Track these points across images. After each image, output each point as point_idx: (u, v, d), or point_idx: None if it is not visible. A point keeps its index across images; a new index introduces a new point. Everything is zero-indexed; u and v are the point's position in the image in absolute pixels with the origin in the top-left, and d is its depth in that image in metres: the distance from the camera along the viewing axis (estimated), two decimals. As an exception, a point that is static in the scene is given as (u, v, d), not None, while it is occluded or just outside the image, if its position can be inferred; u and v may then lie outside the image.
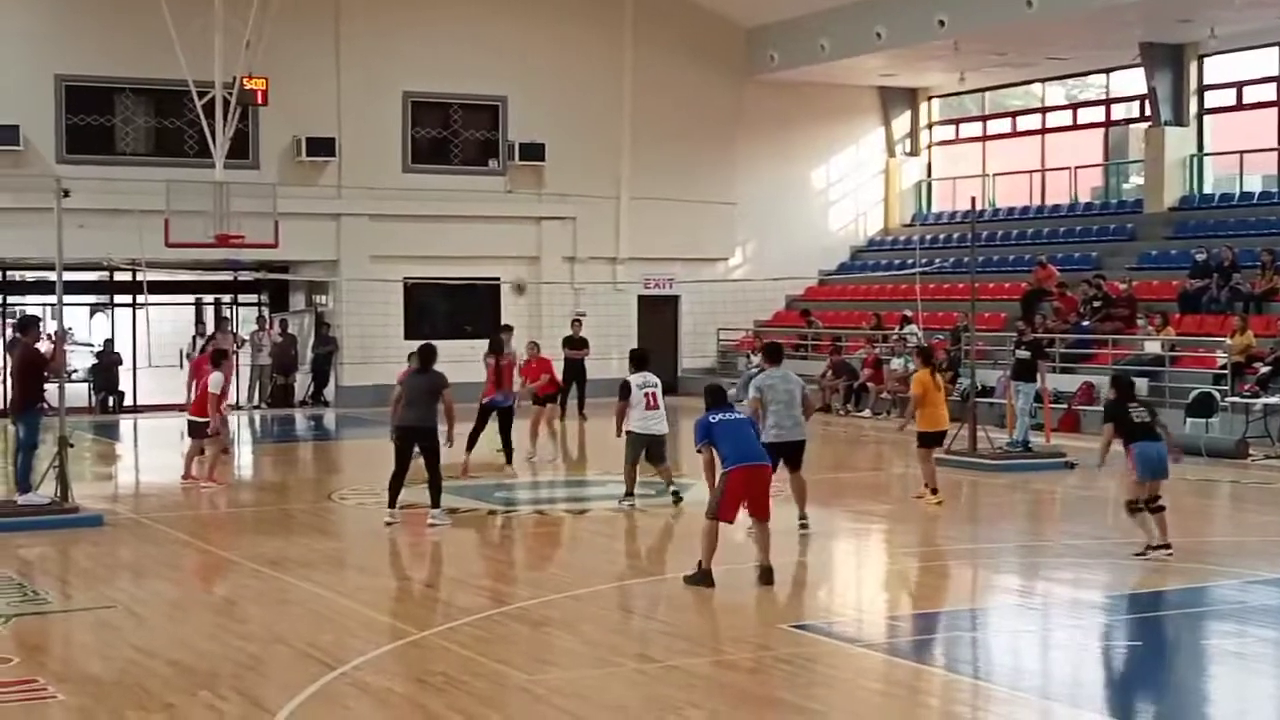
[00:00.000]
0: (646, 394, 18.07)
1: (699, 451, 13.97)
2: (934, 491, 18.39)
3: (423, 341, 18.13)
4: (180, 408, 32.09)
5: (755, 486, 13.39)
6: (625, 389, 18.15)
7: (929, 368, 18.99)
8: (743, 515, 13.62)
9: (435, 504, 16.84)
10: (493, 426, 21.24)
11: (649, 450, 18.11)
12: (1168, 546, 14.43)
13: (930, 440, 18.64)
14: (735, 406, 14.42)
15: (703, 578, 13.22)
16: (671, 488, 18.15)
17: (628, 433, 18.13)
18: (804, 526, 15.95)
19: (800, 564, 15.06)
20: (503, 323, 25.48)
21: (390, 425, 16.96)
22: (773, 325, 36.62)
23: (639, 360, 18.58)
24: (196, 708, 9.76)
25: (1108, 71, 34.99)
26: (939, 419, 18.70)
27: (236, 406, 25.01)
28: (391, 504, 16.85)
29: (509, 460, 21.42)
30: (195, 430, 20.41)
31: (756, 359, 33.68)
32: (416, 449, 16.79)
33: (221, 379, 20.27)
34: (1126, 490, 14.82)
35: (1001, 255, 34.56)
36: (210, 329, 34.04)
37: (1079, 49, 32.68)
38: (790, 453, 15.79)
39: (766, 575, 13.39)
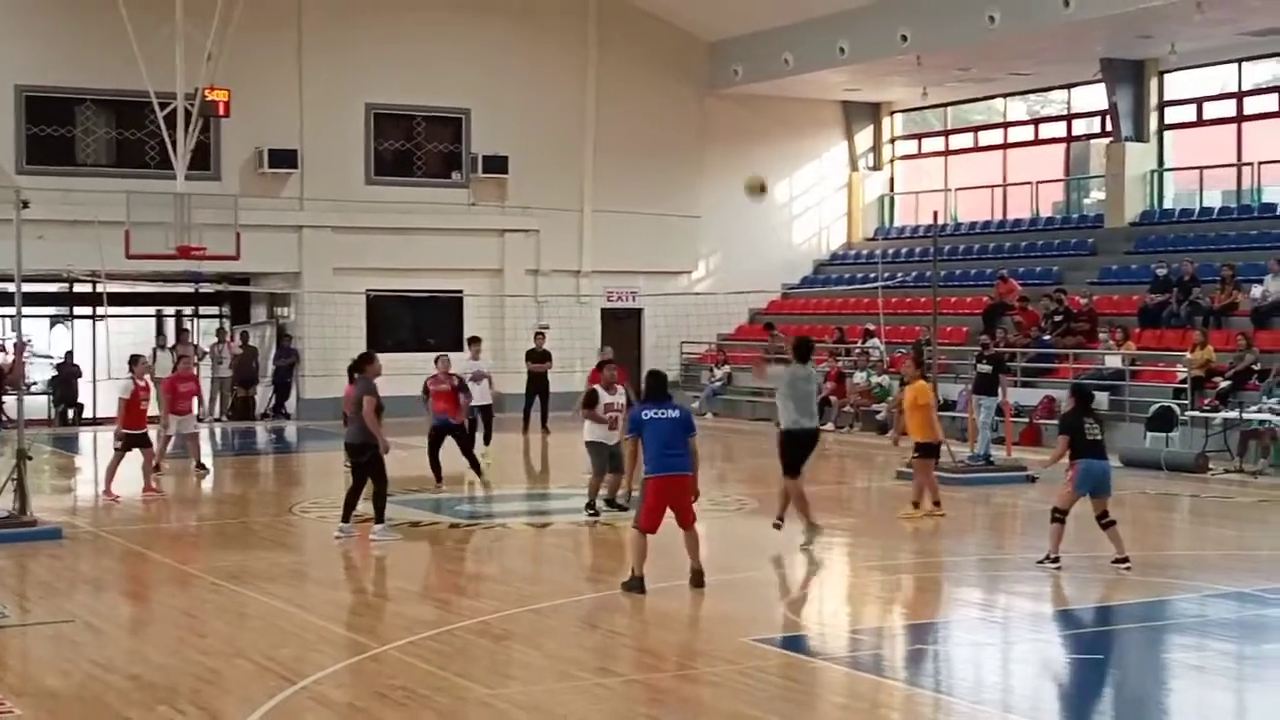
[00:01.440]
0: (611, 417, 18.07)
1: (625, 439, 13.88)
2: (916, 505, 18.33)
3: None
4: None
5: (674, 496, 13.46)
6: (593, 398, 18.20)
7: (925, 378, 18.90)
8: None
9: (379, 519, 16.79)
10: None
11: (611, 460, 18.13)
12: (1125, 560, 14.50)
13: (932, 451, 18.54)
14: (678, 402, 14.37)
15: (634, 584, 13.44)
16: (599, 501, 18.19)
17: (591, 443, 18.18)
18: (778, 526, 16.29)
19: (764, 578, 15.06)
20: (470, 335, 25.59)
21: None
22: (736, 339, 36.67)
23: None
24: (155, 722, 9.71)
25: (1069, 87, 35.18)
26: (937, 429, 18.69)
27: (201, 418, 24.88)
28: (345, 518, 16.80)
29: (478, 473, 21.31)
30: (141, 441, 20.41)
31: (720, 372, 34.13)
32: None
33: (131, 385, 20.28)
34: (1058, 498, 14.88)
35: (963, 269, 34.67)
36: (171, 341, 33.86)
37: (1041, 64, 32.85)
38: (805, 442, 15.97)
39: (697, 578, 13.62)
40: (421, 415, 21.65)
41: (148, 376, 21.35)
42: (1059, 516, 14.67)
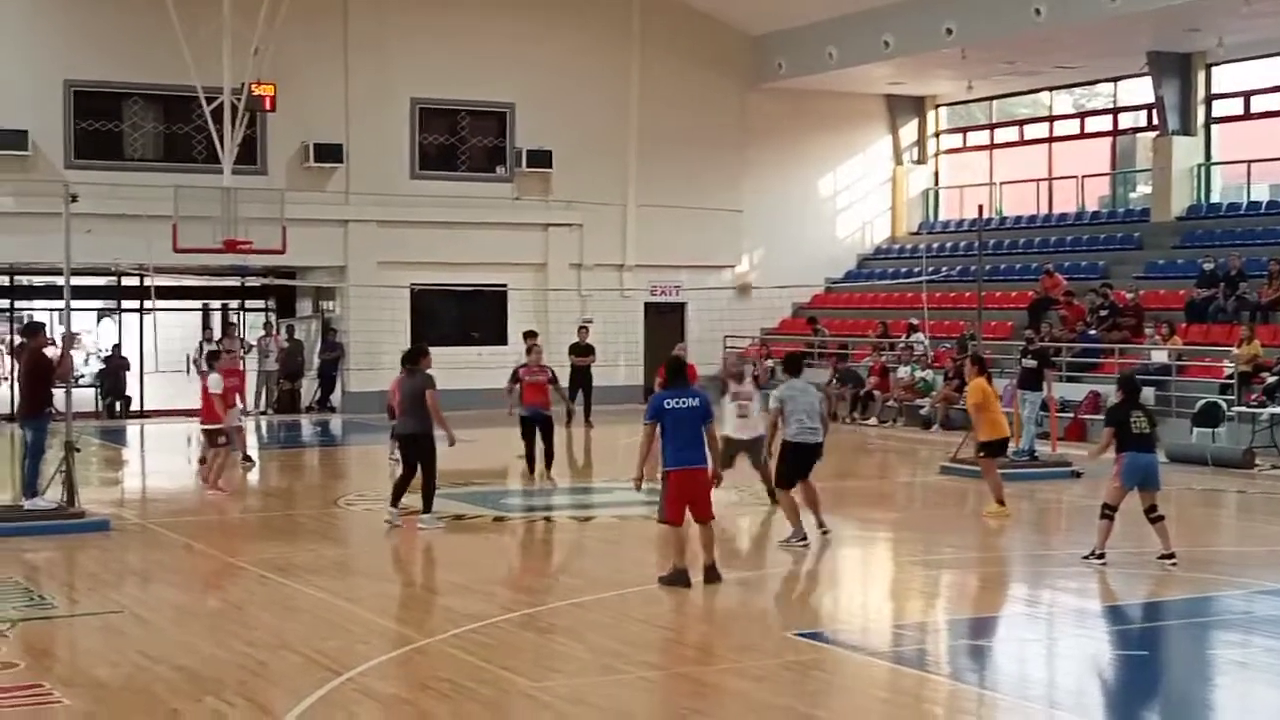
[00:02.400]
0: (741, 404, 18.13)
1: (645, 424, 13.73)
2: (1000, 503, 17.93)
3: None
4: (188, 413, 32.32)
5: (693, 489, 13.45)
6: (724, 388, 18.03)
7: (985, 375, 18.55)
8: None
9: (426, 509, 16.94)
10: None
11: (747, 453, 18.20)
12: (1172, 556, 14.43)
13: (995, 449, 18.24)
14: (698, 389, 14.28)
15: (677, 577, 13.46)
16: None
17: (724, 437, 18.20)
18: (825, 532, 16.04)
19: (807, 572, 15.06)
20: (525, 329, 25.63)
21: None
22: (780, 333, 36.63)
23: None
24: (202, 713, 9.77)
25: (1115, 80, 34.99)
26: (1001, 426, 18.34)
27: (245, 412, 24.98)
28: (394, 503, 16.93)
29: (547, 467, 20.65)
30: (208, 437, 20.44)
31: (768, 365, 34.04)
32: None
33: (220, 380, 20.36)
34: (1106, 494, 14.77)
35: (1008, 264, 34.56)
36: (217, 334, 34.08)
37: (1087, 58, 32.70)
38: (809, 456, 15.82)
39: (711, 573, 13.59)
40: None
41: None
42: (1108, 513, 14.57)
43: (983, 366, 18.80)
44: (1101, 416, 25.73)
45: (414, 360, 17.02)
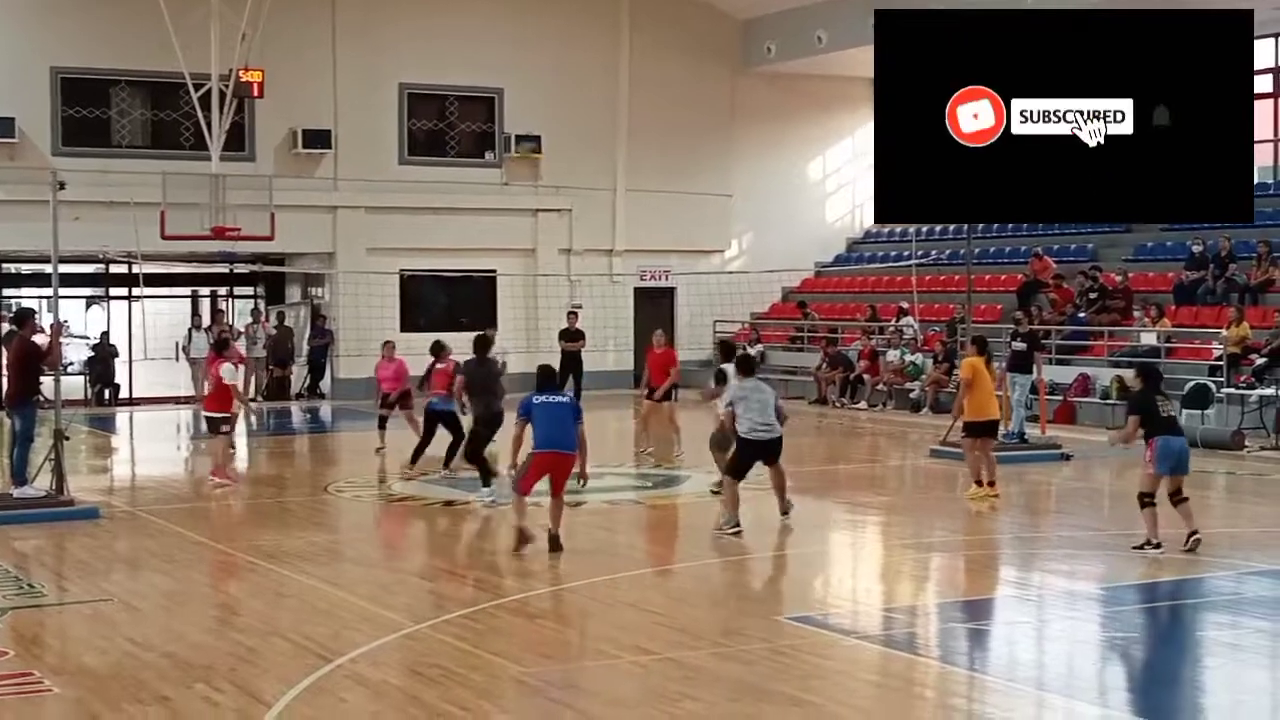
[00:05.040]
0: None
1: (516, 421, 14.63)
2: (991, 484, 17.77)
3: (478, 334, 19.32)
4: (178, 400, 32.29)
5: (553, 468, 14.47)
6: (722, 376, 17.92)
7: (983, 355, 18.27)
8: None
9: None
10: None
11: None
12: (1195, 534, 14.27)
13: (977, 430, 17.98)
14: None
15: (519, 538, 14.58)
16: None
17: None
18: (785, 514, 16.06)
19: (797, 556, 15.07)
20: (484, 328, 24.54)
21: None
22: (769, 317, 36.65)
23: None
24: (192, 700, 9.76)
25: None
26: (985, 407, 18.02)
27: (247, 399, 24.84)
28: (486, 483, 17.68)
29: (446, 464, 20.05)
30: (213, 425, 19.86)
31: (753, 351, 33.98)
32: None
33: (233, 369, 20.16)
34: (1141, 482, 14.52)
35: (998, 247, 34.54)
36: (206, 321, 34.02)
37: (1075, 40, 32.62)
38: (764, 449, 15.72)
39: (554, 543, 14.49)
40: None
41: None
42: (1148, 501, 14.28)
43: (982, 348, 18.57)
44: (1093, 400, 25.99)
45: (486, 349, 18.45)
